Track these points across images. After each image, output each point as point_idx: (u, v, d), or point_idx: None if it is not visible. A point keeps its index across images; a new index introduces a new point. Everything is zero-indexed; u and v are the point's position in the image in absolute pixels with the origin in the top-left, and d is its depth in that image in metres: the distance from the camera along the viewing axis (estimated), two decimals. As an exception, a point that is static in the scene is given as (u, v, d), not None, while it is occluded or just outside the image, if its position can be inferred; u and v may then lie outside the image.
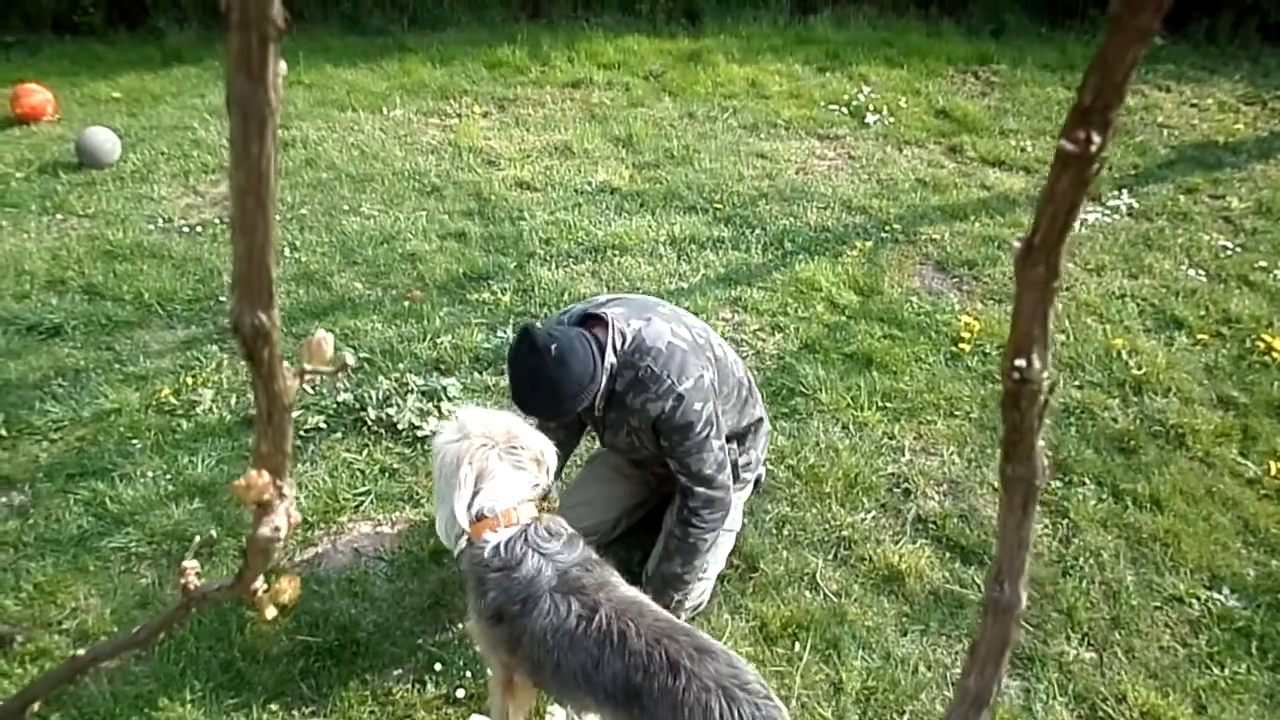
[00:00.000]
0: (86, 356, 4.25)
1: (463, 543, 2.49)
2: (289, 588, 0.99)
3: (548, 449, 2.57)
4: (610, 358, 2.72)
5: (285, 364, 0.78)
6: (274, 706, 2.80)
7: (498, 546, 2.41)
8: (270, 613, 0.95)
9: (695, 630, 2.37)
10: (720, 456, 2.86)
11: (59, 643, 2.99)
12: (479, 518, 2.45)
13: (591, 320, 2.79)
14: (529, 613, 2.35)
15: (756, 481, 3.52)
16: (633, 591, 2.47)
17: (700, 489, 2.86)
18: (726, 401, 2.98)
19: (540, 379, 2.61)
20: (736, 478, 3.13)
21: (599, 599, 2.35)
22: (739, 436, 3.14)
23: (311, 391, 4.00)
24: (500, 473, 2.47)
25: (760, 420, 3.22)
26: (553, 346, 2.57)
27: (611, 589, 2.42)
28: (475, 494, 2.45)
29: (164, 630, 1.13)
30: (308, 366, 0.80)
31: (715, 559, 3.13)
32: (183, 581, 0.96)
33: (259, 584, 0.93)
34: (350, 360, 0.83)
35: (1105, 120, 0.59)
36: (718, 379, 2.89)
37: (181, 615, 1.04)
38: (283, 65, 0.64)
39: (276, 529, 0.86)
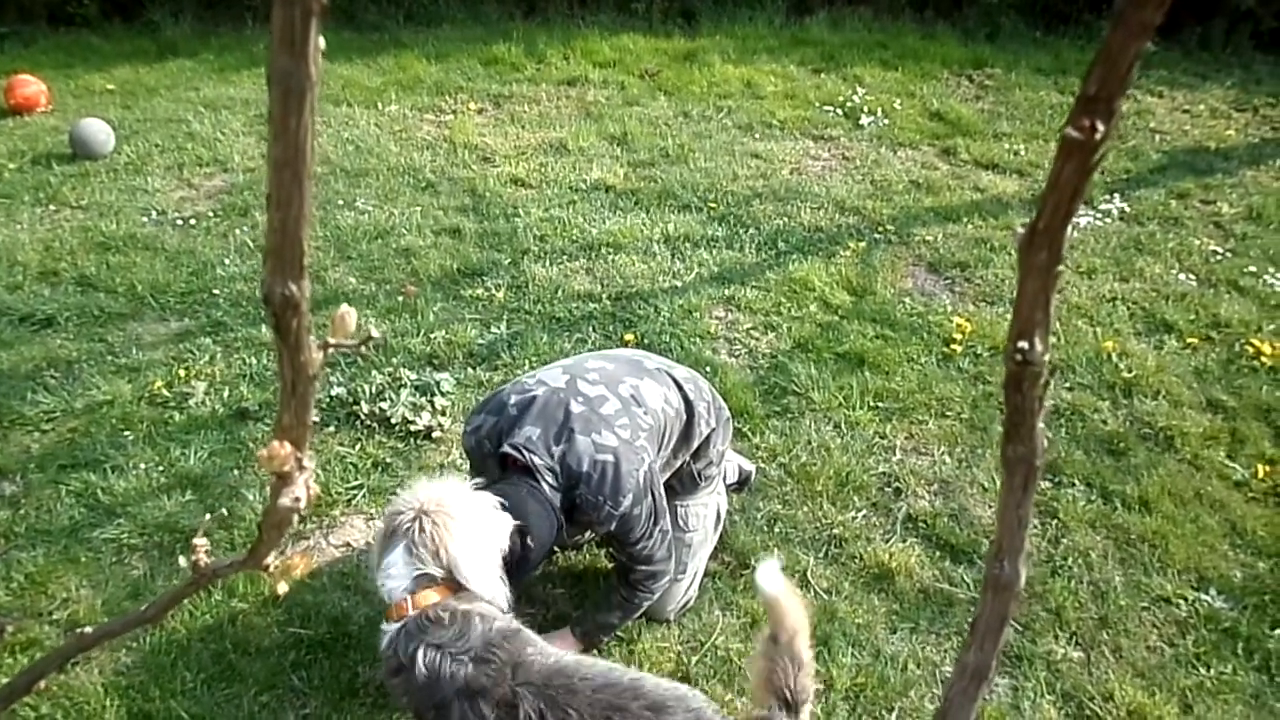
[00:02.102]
0: (79, 348, 4.24)
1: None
2: (302, 563, 1.00)
3: (459, 546, 2.35)
4: (554, 498, 2.58)
5: (311, 336, 0.79)
6: (265, 698, 2.80)
7: (391, 641, 2.27)
8: (282, 588, 0.96)
9: (639, 681, 2.19)
10: (659, 537, 2.79)
11: (49, 633, 2.98)
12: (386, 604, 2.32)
13: (511, 460, 2.61)
14: None
15: (746, 480, 3.54)
16: (553, 658, 2.24)
17: (642, 567, 2.82)
18: (669, 446, 2.87)
19: (515, 555, 2.51)
20: (696, 484, 3.11)
21: (515, 692, 2.13)
22: (692, 454, 3.03)
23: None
24: (391, 552, 2.31)
25: (713, 430, 3.02)
26: (524, 527, 2.49)
27: (526, 667, 2.18)
28: (377, 571, 2.31)
29: (172, 607, 1.14)
30: (332, 340, 0.81)
31: (699, 558, 3.14)
32: (193, 558, 0.96)
33: (271, 559, 0.94)
34: (375, 333, 0.84)
35: (1109, 110, 0.60)
36: (654, 446, 2.76)
37: (191, 591, 1.05)
38: (321, 41, 0.65)
39: (297, 499, 0.87)
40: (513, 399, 2.74)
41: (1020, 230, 0.70)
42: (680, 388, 2.94)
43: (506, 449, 2.61)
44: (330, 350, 0.78)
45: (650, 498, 2.71)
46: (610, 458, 2.61)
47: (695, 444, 2.99)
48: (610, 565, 3.10)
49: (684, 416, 2.91)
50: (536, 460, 2.57)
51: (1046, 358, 0.76)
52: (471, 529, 2.37)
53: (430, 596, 2.31)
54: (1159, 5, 0.58)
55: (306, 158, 0.67)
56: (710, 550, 3.22)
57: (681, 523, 3.06)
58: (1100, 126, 0.61)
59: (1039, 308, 0.72)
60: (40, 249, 4.94)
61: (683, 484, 3.08)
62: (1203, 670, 2.99)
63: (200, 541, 1.00)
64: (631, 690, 2.13)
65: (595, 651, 2.90)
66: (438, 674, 2.17)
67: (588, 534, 3.19)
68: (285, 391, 0.81)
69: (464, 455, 3.17)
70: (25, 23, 8.40)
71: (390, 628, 2.30)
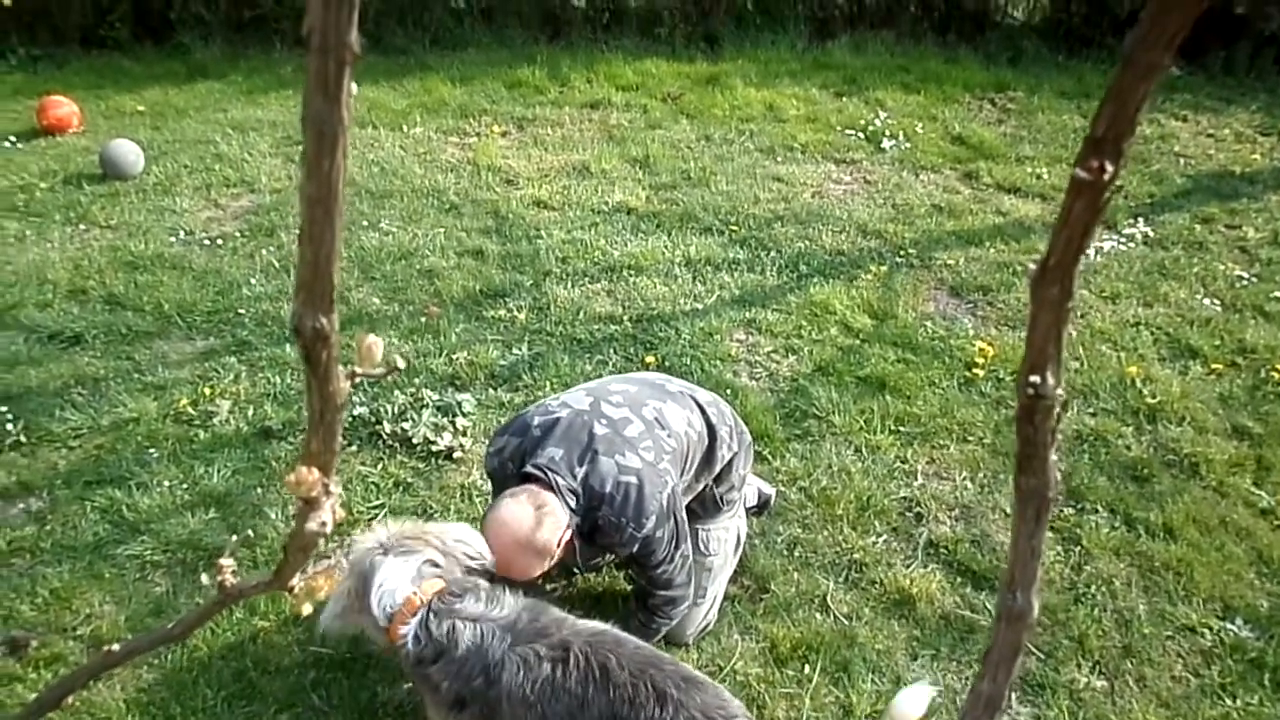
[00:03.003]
0: (106, 365, 4.30)
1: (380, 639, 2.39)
2: (326, 584, 1.01)
3: (452, 535, 2.48)
4: (571, 518, 2.59)
5: (338, 366, 0.81)
6: (284, 717, 2.82)
7: (416, 636, 2.29)
8: (307, 609, 0.97)
9: (676, 660, 2.35)
10: (680, 562, 2.79)
11: (73, 649, 3.02)
12: (390, 619, 2.33)
13: (532, 479, 2.61)
14: (498, 680, 2.23)
15: (766, 503, 3.53)
16: (595, 622, 2.40)
17: (661, 592, 2.83)
18: (691, 468, 2.86)
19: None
20: (718, 508, 3.10)
21: (566, 637, 2.26)
22: (714, 479, 3.03)
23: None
24: (383, 565, 2.34)
25: (735, 454, 3.02)
26: None
27: (572, 624, 2.33)
28: (369, 595, 2.32)
29: (199, 625, 1.15)
30: (359, 369, 0.83)
31: (719, 582, 3.13)
32: (219, 578, 0.98)
33: (296, 580, 0.95)
34: (401, 363, 0.86)
35: (1118, 150, 0.61)
36: (677, 469, 2.76)
37: (217, 610, 1.07)
38: (353, 86, 0.67)
39: (323, 524, 0.88)
40: (536, 420, 2.75)
41: (1033, 266, 0.71)
42: (703, 411, 2.94)
43: (529, 469, 2.62)
44: (357, 379, 0.80)
45: (673, 521, 2.71)
46: (634, 479, 2.61)
47: (717, 468, 2.98)
48: (629, 588, 3.10)
49: (706, 440, 2.91)
50: (559, 481, 2.58)
51: (1059, 391, 0.76)
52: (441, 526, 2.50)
53: (435, 584, 2.36)
54: (1167, 47, 0.59)
55: (338, 195, 0.69)
56: (730, 574, 3.22)
57: (702, 546, 3.05)
58: (1109, 167, 0.62)
59: (1051, 341, 0.73)
60: (70, 267, 5.02)
61: (704, 508, 3.08)
62: (1228, 701, 2.95)
63: (227, 562, 1.02)
64: (669, 659, 2.32)
65: None
66: (482, 639, 2.25)
67: (607, 556, 3.19)
68: (313, 419, 0.83)
69: (485, 477, 3.18)
70: (58, 45, 8.54)
71: (409, 625, 2.30)
